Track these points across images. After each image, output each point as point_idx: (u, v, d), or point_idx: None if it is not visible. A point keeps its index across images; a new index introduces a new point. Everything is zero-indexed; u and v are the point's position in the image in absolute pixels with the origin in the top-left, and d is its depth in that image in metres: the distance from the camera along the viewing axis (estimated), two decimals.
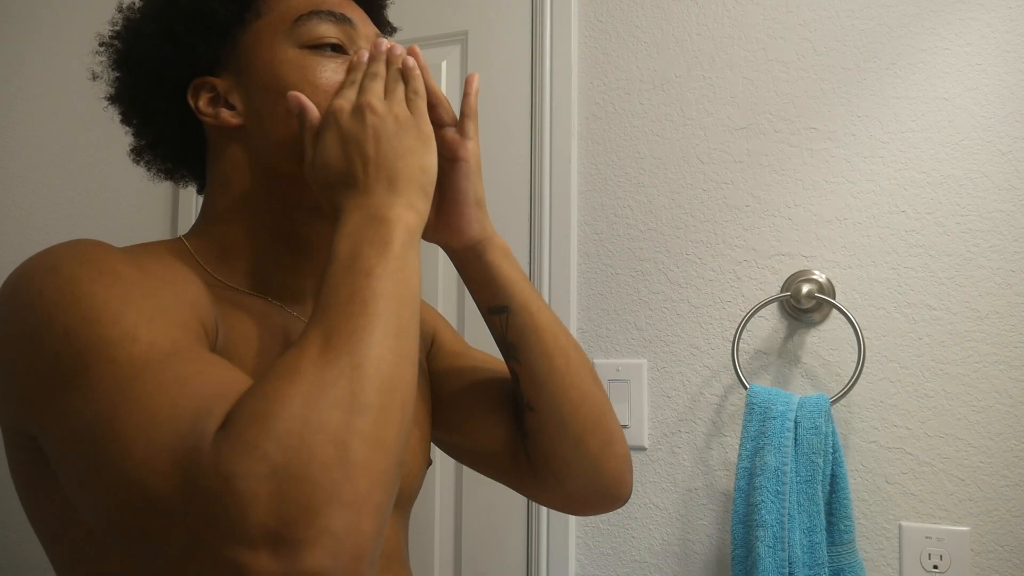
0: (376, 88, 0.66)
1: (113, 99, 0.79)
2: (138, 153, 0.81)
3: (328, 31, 0.72)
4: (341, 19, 0.73)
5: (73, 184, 1.77)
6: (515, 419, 0.82)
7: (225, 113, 0.72)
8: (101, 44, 0.78)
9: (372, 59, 0.69)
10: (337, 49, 0.72)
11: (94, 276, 0.56)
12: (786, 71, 1.30)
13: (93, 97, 1.75)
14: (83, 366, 0.52)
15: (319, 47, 0.72)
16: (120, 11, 0.78)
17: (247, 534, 0.45)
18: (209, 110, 0.73)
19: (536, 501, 0.88)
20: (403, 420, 0.54)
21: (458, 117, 0.74)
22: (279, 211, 0.73)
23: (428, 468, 0.82)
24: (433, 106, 0.71)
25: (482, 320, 0.81)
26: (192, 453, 0.48)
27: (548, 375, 0.76)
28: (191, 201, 1.65)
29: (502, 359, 0.81)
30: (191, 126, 0.76)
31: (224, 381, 0.53)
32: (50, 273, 0.57)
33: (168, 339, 0.55)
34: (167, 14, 0.73)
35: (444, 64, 1.51)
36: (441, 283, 1.47)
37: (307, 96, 0.68)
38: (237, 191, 0.73)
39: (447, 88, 1.50)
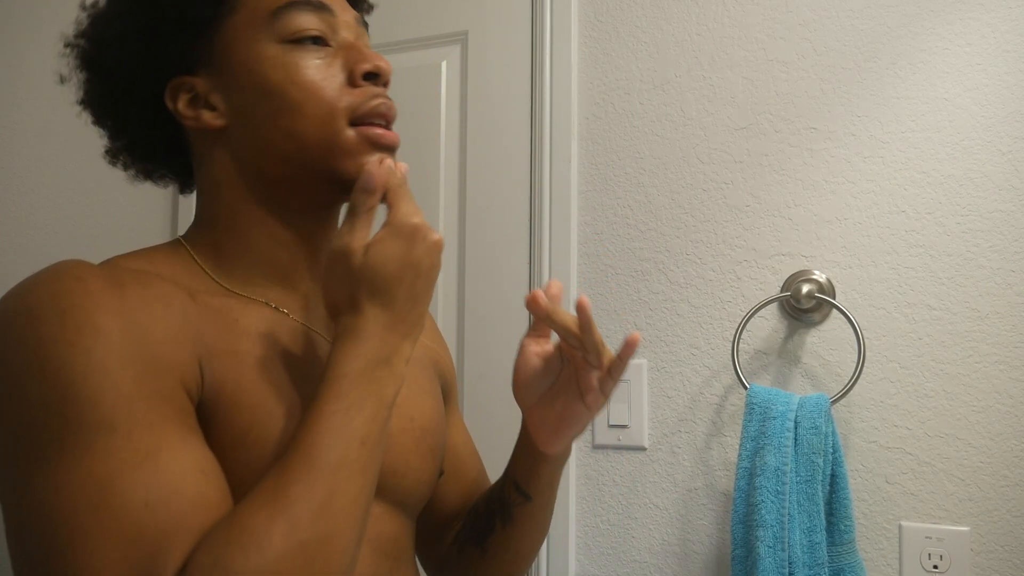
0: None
1: (84, 103, 0.75)
2: (114, 155, 0.78)
3: (308, 23, 0.69)
4: (320, 7, 0.70)
5: (73, 184, 1.77)
6: (443, 526, 0.90)
7: (207, 115, 0.70)
8: (67, 45, 0.75)
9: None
10: (318, 41, 0.69)
11: (72, 338, 0.55)
12: (786, 71, 1.30)
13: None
14: (56, 447, 0.52)
15: (300, 40, 0.69)
16: (84, 8, 0.75)
17: None
18: (189, 112, 0.70)
19: (425, 563, 0.93)
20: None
21: (607, 369, 0.74)
22: (270, 213, 0.71)
23: (440, 478, 0.83)
24: (594, 351, 0.72)
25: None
26: None
27: (518, 546, 0.85)
28: (191, 201, 1.64)
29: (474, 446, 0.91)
30: (169, 128, 0.73)
31: (193, 508, 0.53)
32: (30, 325, 0.55)
33: (147, 427, 0.54)
34: (137, 11, 0.70)
35: (444, 64, 1.51)
36: (441, 284, 1.47)
37: (293, 95, 0.67)
38: (226, 195, 0.71)
39: (447, 89, 1.50)
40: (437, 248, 0.65)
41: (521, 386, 0.79)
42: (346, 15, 0.73)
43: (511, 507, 0.83)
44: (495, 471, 1.39)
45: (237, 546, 0.51)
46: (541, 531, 0.87)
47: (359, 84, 0.69)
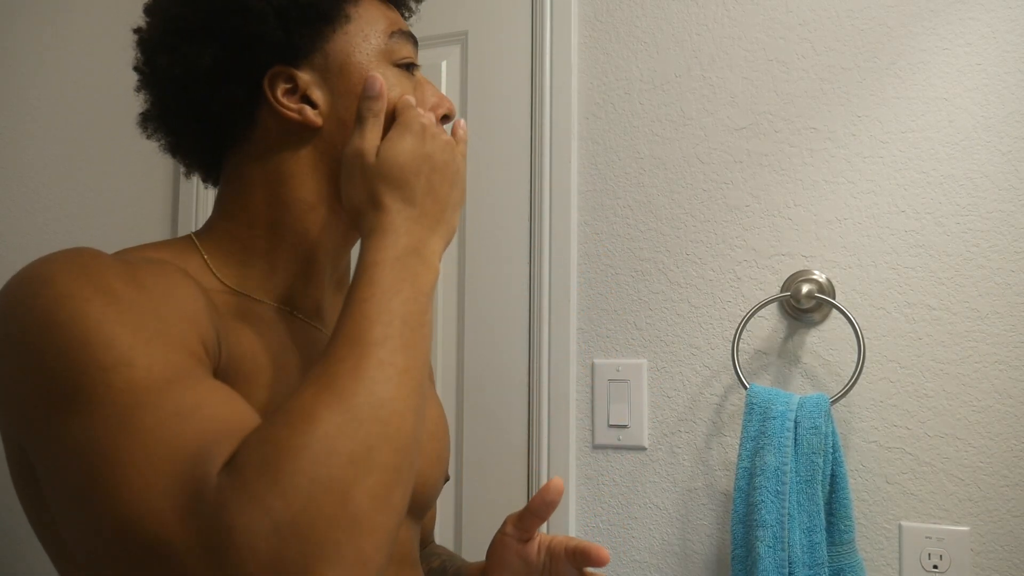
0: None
1: (157, 50, 0.70)
2: (145, 119, 0.75)
3: (411, 52, 0.74)
4: (414, 40, 0.76)
5: (73, 184, 1.77)
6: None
7: (309, 110, 0.69)
8: (150, 6, 0.71)
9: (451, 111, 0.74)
10: (410, 68, 0.74)
11: (88, 295, 0.54)
12: (786, 71, 1.30)
13: (94, 96, 1.76)
14: (78, 390, 0.51)
15: (403, 66, 0.73)
16: None
17: None
18: (289, 102, 0.69)
19: None
20: (411, 480, 0.53)
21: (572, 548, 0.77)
22: (323, 219, 0.71)
23: (445, 483, 0.83)
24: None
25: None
26: (194, 497, 0.46)
27: None
28: (191, 201, 1.64)
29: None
30: (247, 112, 0.71)
31: (226, 417, 0.52)
32: (44, 287, 0.55)
33: (166, 364, 0.53)
34: None
35: (444, 64, 1.51)
36: (442, 284, 1.47)
37: (390, 116, 0.70)
38: (288, 191, 0.70)
39: (447, 88, 1.50)
40: (450, 146, 0.67)
41: (500, 565, 0.80)
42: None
43: None
44: (495, 471, 1.39)
45: (284, 424, 0.49)
46: None
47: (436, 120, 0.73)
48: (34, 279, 0.56)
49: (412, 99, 0.70)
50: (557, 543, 0.79)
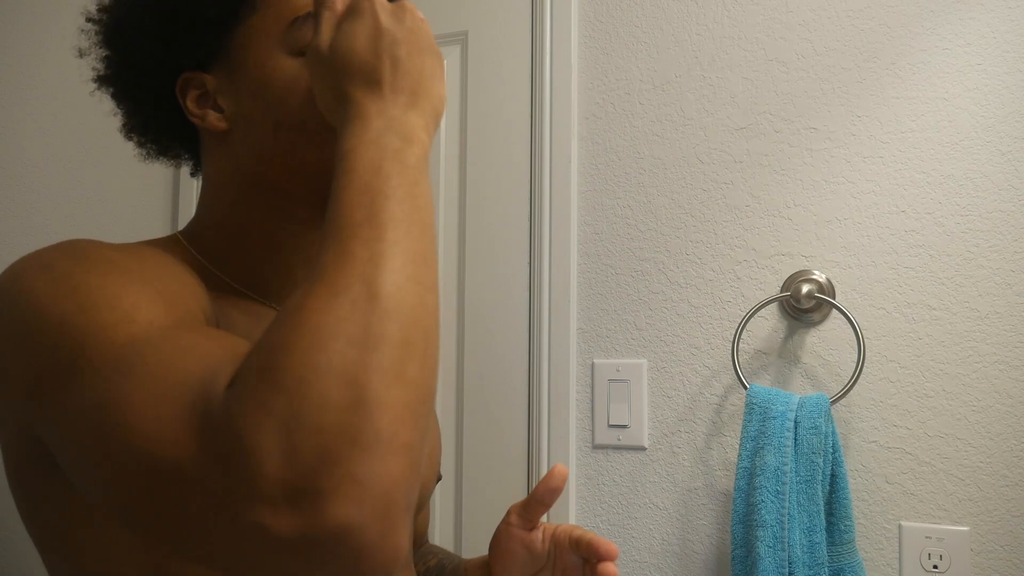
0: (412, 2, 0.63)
1: (102, 79, 0.74)
2: (128, 130, 0.77)
3: None
4: None
5: (73, 184, 1.77)
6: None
7: (212, 116, 0.69)
8: (88, 19, 0.73)
9: None
10: None
11: (87, 267, 0.54)
12: (786, 71, 1.30)
13: (95, 96, 1.76)
14: (81, 351, 0.50)
15: None
16: None
17: (265, 492, 0.42)
18: (197, 110, 0.69)
19: None
20: (427, 352, 0.49)
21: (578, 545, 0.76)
22: (267, 219, 0.70)
23: (438, 482, 0.82)
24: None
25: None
26: (203, 416, 0.45)
27: None
28: (191, 200, 1.65)
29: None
30: (182, 118, 0.72)
31: (229, 345, 0.50)
32: (42, 271, 0.55)
33: (167, 317, 0.53)
34: (156, 2, 0.69)
35: (444, 64, 1.51)
36: (442, 284, 1.47)
37: (297, 111, 0.65)
38: (224, 197, 0.71)
39: (447, 88, 1.50)
40: (409, 14, 0.61)
41: (498, 563, 0.78)
42: None
43: None
44: (495, 471, 1.39)
45: (277, 326, 0.47)
46: None
47: None
48: (30, 267, 0.56)
49: None
50: (562, 532, 0.78)
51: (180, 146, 0.77)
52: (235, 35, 0.69)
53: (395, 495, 0.45)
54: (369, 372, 0.45)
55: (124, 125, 0.77)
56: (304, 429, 0.43)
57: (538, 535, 0.78)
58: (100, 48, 0.73)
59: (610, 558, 0.73)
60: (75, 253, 0.56)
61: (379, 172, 0.53)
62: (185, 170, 1.35)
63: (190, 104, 0.70)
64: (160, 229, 1.67)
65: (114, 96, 0.75)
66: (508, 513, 0.79)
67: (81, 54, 0.75)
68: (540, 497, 0.75)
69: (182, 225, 1.63)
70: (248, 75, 0.68)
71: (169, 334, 0.51)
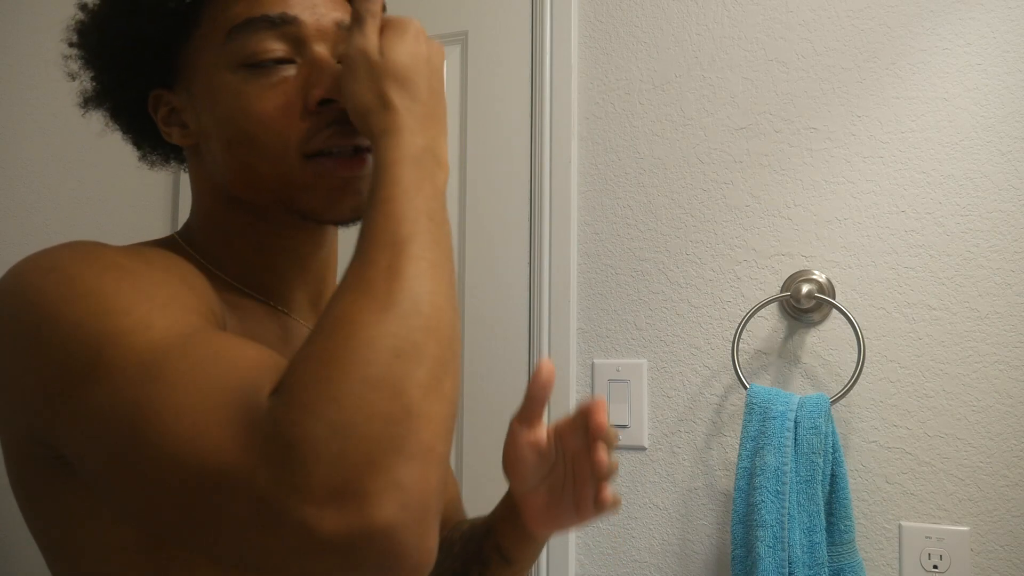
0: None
1: (87, 103, 0.75)
2: (134, 143, 0.79)
3: (265, 45, 0.65)
4: (280, 22, 0.65)
5: (73, 184, 1.77)
6: (451, 554, 0.87)
7: (177, 132, 0.70)
8: (71, 44, 0.74)
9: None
10: (281, 62, 0.65)
11: (98, 271, 0.54)
12: (786, 71, 1.30)
13: None
14: (98, 357, 0.50)
15: (257, 65, 0.64)
16: (81, 10, 0.73)
17: (312, 493, 0.44)
18: (166, 127, 0.71)
19: None
20: (457, 371, 0.53)
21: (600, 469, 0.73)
22: (245, 225, 0.71)
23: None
24: (603, 442, 0.71)
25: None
26: (249, 423, 0.46)
27: None
28: (190, 200, 1.64)
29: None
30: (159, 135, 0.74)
31: (260, 356, 0.51)
32: (50, 272, 0.55)
33: (185, 323, 0.53)
34: (110, 26, 0.69)
35: (444, 64, 1.51)
36: None
37: (245, 128, 0.64)
38: (204, 205, 0.73)
39: (447, 88, 1.50)
40: (441, 51, 0.64)
41: (512, 475, 0.77)
42: (322, 19, 0.67)
43: (489, 565, 0.81)
44: (496, 471, 1.39)
45: (326, 336, 0.49)
46: None
47: (313, 110, 0.65)
48: (36, 267, 0.56)
49: (265, 113, 0.64)
50: (563, 423, 0.76)
51: (175, 158, 0.79)
52: (185, 52, 0.68)
53: (432, 501, 0.48)
54: (414, 386, 0.48)
55: (124, 137, 0.79)
56: (354, 437, 0.45)
57: (542, 433, 0.76)
58: (85, 71, 0.74)
59: (598, 415, 0.71)
60: (82, 255, 0.56)
61: (420, 191, 0.56)
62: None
63: (160, 122, 0.71)
64: (160, 229, 1.67)
65: (107, 115, 0.77)
66: (510, 425, 0.77)
67: (73, 78, 0.76)
68: (534, 394, 0.73)
69: (182, 224, 1.64)
70: (199, 93, 0.68)
71: (192, 340, 0.52)
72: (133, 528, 0.57)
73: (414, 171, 0.57)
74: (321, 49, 0.66)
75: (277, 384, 0.48)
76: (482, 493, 1.40)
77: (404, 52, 0.61)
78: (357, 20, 0.62)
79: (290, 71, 0.66)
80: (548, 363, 0.72)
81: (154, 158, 0.79)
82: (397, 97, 0.60)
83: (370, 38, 0.61)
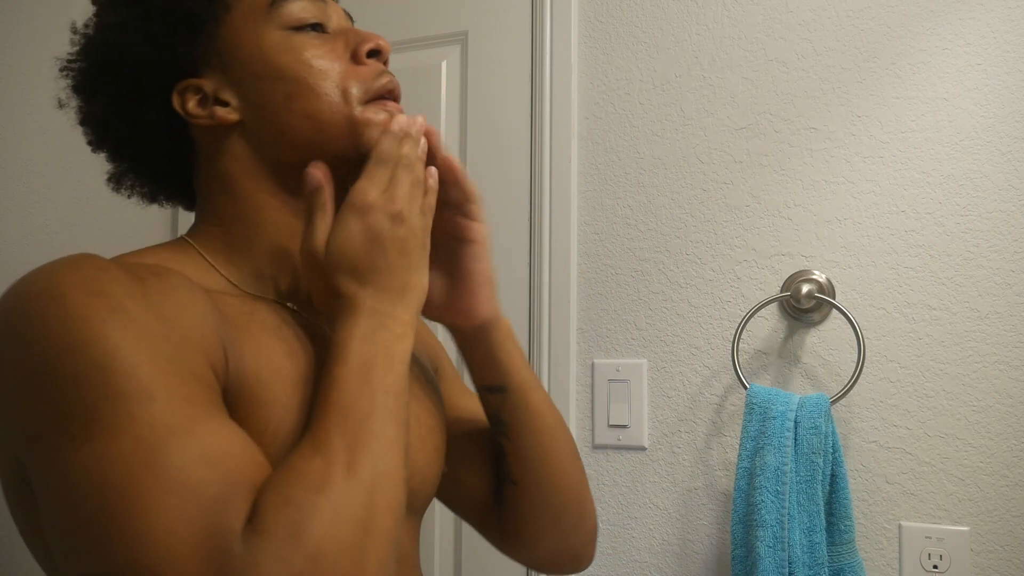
0: (405, 186, 0.67)
1: (85, 124, 0.75)
2: (118, 180, 0.77)
3: (306, 11, 0.71)
4: None
5: (73, 184, 1.77)
6: (496, 481, 0.84)
7: (220, 111, 0.70)
8: (62, 69, 0.74)
9: (405, 138, 0.68)
10: (316, 28, 0.71)
11: (104, 316, 0.53)
12: (786, 71, 1.30)
13: None
14: (93, 418, 0.50)
15: (300, 28, 0.71)
16: (75, 32, 0.75)
17: None
18: (200, 111, 0.70)
19: (504, 553, 0.91)
20: (396, 543, 0.57)
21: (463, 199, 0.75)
22: (284, 202, 0.71)
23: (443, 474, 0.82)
24: (449, 184, 0.73)
25: None
26: (220, 552, 0.48)
27: (535, 455, 0.79)
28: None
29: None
30: (176, 135, 0.73)
31: (247, 466, 0.53)
32: (55, 304, 0.53)
33: (184, 399, 0.53)
34: (134, 21, 0.70)
35: (444, 64, 1.51)
36: None
37: (304, 77, 0.68)
38: (240, 190, 0.71)
39: (447, 89, 1.51)
40: (397, 218, 0.65)
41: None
42: (336, 6, 0.75)
43: (498, 412, 0.79)
44: None
45: (301, 487, 0.52)
46: (545, 426, 0.80)
47: (364, 62, 0.71)
48: (41, 294, 0.54)
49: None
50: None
51: (171, 177, 0.77)
52: (219, 35, 0.70)
53: None
54: (372, 558, 0.53)
55: (111, 176, 0.78)
56: None
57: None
58: (79, 93, 0.75)
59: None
60: (89, 287, 0.55)
61: (374, 367, 0.60)
62: None
63: (192, 109, 0.70)
64: (160, 229, 1.67)
65: (97, 139, 0.76)
66: None
67: (61, 104, 0.76)
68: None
69: (182, 225, 1.63)
70: (249, 60, 0.70)
71: (191, 432, 0.52)
72: None
73: (363, 347, 0.60)
74: (343, 23, 0.74)
75: (251, 515, 0.50)
76: None
77: (348, 237, 0.64)
78: (309, 215, 0.67)
79: (325, 38, 0.72)
80: (454, 161, 0.75)
81: (146, 190, 0.78)
82: (344, 285, 0.64)
83: (316, 234, 0.66)
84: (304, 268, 0.67)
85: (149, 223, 1.68)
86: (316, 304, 0.67)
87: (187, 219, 1.76)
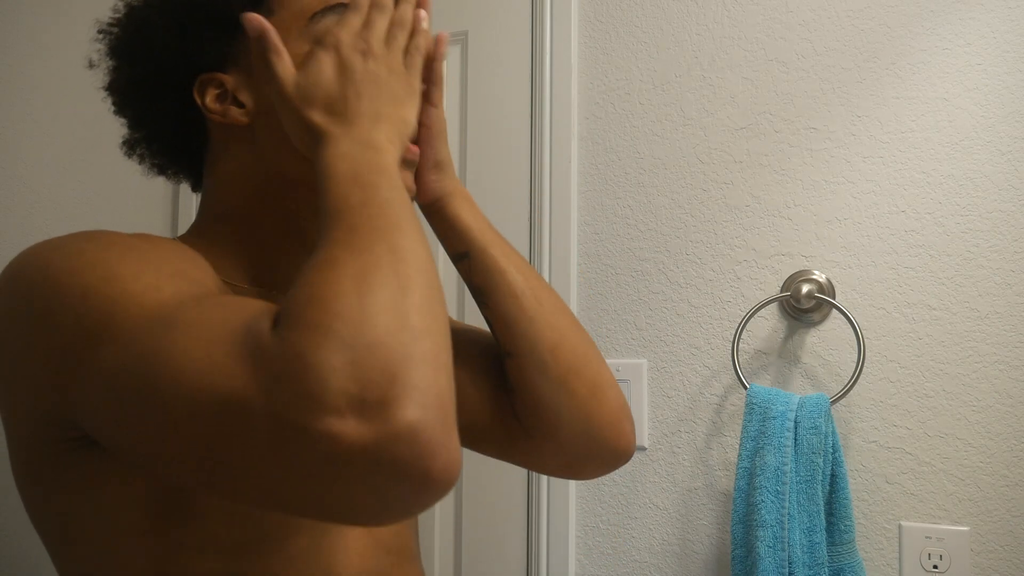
0: (379, 28, 0.66)
1: (110, 88, 0.76)
2: (131, 146, 0.78)
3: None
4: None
5: (73, 184, 1.77)
6: (500, 378, 0.80)
7: (234, 111, 0.71)
8: (100, 31, 0.75)
9: None
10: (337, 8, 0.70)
11: (104, 246, 0.56)
12: (786, 71, 1.30)
13: (95, 96, 1.76)
14: (109, 319, 0.52)
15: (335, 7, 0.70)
16: None
17: (331, 404, 0.45)
18: (217, 107, 0.71)
19: (535, 469, 0.85)
20: (442, 302, 0.53)
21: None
22: (284, 213, 0.72)
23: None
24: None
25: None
26: (255, 348, 0.47)
27: (518, 315, 0.75)
28: (191, 201, 1.65)
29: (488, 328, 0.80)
30: (192, 122, 0.74)
31: (263, 303, 0.53)
32: (55, 251, 0.56)
33: (191, 288, 0.55)
34: (176, 5, 0.71)
35: (444, 64, 1.51)
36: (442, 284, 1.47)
37: None
38: (241, 192, 0.72)
39: (447, 89, 1.50)
40: (367, 53, 0.65)
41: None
42: None
43: (470, 279, 0.77)
44: (495, 473, 1.39)
45: (314, 273, 0.50)
46: (517, 284, 0.76)
47: None
48: (41, 249, 0.57)
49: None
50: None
51: (181, 158, 0.78)
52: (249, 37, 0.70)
53: (448, 402, 0.48)
54: (408, 307, 0.49)
55: (126, 141, 0.78)
56: (364, 346, 0.46)
57: None
58: (111, 58, 0.75)
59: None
60: (86, 235, 0.58)
61: (359, 174, 0.57)
62: None
63: (209, 102, 0.71)
64: (160, 230, 1.67)
65: (120, 105, 0.76)
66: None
67: (91, 65, 0.77)
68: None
69: (182, 224, 1.64)
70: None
71: (200, 298, 0.54)
72: (143, 507, 0.58)
73: (346, 163, 0.58)
74: None
75: (277, 316, 0.49)
76: (480, 499, 1.40)
77: (323, 73, 0.64)
78: (264, 60, 0.65)
79: None
80: (444, 37, 0.76)
81: (156, 162, 0.79)
82: (317, 117, 0.62)
83: (280, 73, 0.64)
84: (278, 110, 0.65)
85: (149, 223, 1.69)
86: (296, 145, 0.65)
87: (187, 220, 1.77)
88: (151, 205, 1.69)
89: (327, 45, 0.65)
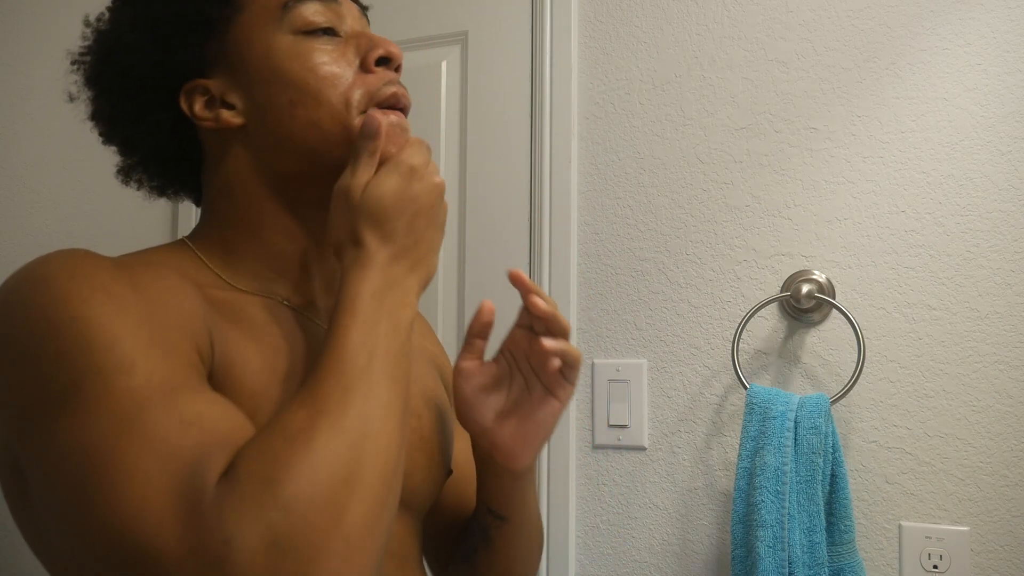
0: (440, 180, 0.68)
1: (94, 118, 0.75)
2: (127, 173, 0.78)
3: (318, 15, 0.70)
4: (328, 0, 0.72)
5: (73, 185, 1.77)
6: (463, 537, 0.86)
7: (225, 114, 0.70)
8: (73, 63, 0.75)
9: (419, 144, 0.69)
10: (328, 32, 0.71)
11: (86, 295, 0.55)
12: (786, 71, 1.30)
13: None
14: (76, 392, 0.51)
15: (311, 32, 0.70)
16: (88, 25, 0.75)
17: None
18: (207, 113, 0.71)
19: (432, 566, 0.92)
20: (394, 509, 0.55)
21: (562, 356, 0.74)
22: (282, 208, 0.72)
23: (449, 477, 0.82)
24: (555, 333, 0.73)
25: None
26: (192, 507, 0.48)
27: (505, 570, 0.82)
28: (191, 204, 1.64)
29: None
30: (184, 134, 0.73)
31: (225, 428, 0.53)
32: (40, 286, 0.55)
33: (165, 372, 0.54)
34: (145, 20, 0.71)
35: (444, 64, 1.51)
36: (442, 284, 1.47)
37: (310, 85, 0.68)
38: (241, 194, 0.72)
39: (447, 89, 1.50)
40: (437, 189, 0.67)
41: (471, 408, 0.75)
42: (350, 5, 0.74)
43: (488, 530, 0.81)
44: None
45: (281, 439, 0.51)
46: (526, 552, 0.84)
47: (372, 70, 0.71)
48: (29, 280, 0.56)
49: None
50: (510, 334, 0.78)
51: (181, 177, 0.78)
52: (229, 36, 0.70)
53: None
54: (356, 514, 0.51)
55: (121, 169, 0.78)
56: (291, 551, 0.47)
57: (489, 365, 0.76)
58: (89, 88, 0.75)
59: (535, 305, 0.74)
60: (73, 271, 0.56)
61: (378, 325, 0.59)
62: None
63: (199, 110, 0.71)
64: (160, 230, 1.67)
65: (108, 134, 0.76)
66: (454, 376, 0.76)
67: (71, 99, 0.77)
68: (476, 331, 0.75)
69: (182, 225, 1.64)
70: (256, 63, 0.70)
71: (170, 399, 0.52)
72: None
73: (373, 305, 0.60)
74: (357, 25, 0.74)
75: (227, 468, 0.49)
76: None
77: (387, 191, 0.64)
78: (353, 157, 0.66)
79: (336, 42, 0.71)
80: (489, 303, 0.76)
81: (156, 183, 0.78)
82: (368, 235, 0.63)
83: (358, 176, 0.65)
84: (332, 206, 0.66)
85: (149, 224, 1.68)
86: (332, 246, 0.66)
87: (187, 220, 1.77)
88: (151, 205, 1.69)
89: (403, 166, 0.66)
